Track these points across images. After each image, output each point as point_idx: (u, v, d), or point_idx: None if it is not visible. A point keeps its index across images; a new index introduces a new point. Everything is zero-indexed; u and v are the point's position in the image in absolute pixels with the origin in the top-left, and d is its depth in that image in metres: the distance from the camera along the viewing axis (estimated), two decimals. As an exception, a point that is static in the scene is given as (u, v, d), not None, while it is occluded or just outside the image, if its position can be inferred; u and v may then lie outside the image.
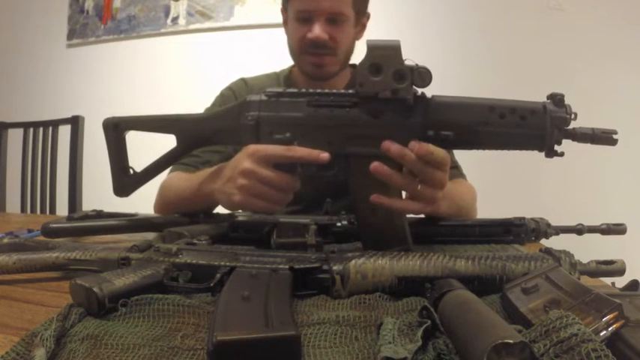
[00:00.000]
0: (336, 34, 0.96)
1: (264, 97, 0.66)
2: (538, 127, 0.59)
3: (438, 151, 0.59)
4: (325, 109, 0.63)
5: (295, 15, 0.98)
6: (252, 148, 0.64)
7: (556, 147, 0.60)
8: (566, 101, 0.60)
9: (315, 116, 0.64)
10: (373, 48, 0.59)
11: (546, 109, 0.59)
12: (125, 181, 0.78)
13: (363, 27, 1.06)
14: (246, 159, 0.64)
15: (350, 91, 0.63)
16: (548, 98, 0.60)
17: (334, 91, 0.65)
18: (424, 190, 0.61)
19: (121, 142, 0.78)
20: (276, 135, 0.65)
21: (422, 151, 0.58)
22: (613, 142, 0.60)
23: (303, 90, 0.65)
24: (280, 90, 0.66)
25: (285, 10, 1.05)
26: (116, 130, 0.77)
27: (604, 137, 0.60)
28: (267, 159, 0.63)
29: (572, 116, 0.59)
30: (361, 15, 1.02)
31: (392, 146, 0.59)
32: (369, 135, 0.62)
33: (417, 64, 0.59)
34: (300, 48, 0.98)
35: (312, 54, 0.96)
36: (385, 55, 0.59)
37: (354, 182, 0.64)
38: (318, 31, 0.93)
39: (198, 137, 0.74)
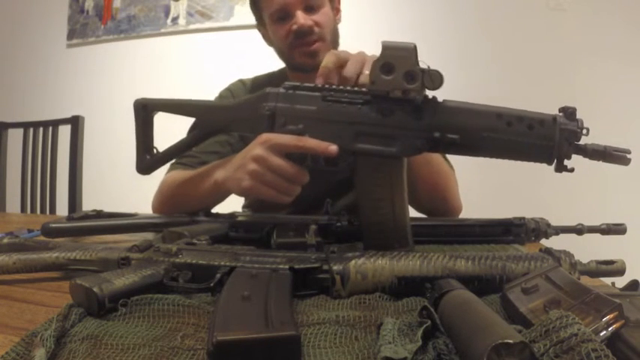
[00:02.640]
0: (318, 18, 0.96)
1: (282, 90, 0.68)
2: (546, 138, 0.58)
3: None
4: (338, 105, 0.64)
5: (272, 18, 0.98)
6: (265, 136, 0.66)
7: (566, 162, 0.59)
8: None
9: (328, 111, 0.65)
10: (387, 48, 0.60)
11: (556, 121, 0.58)
12: (147, 160, 0.82)
13: (338, 10, 1.06)
14: (258, 146, 0.66)
15: (363, 88, 0.64)
16: (560, 111, 0.59)
17: (348, 87, 0.66)
18: None
19: (149, 122, 0.81)
20: (290, 126, 0.66)
21: None
22: (626, 161, 0.58)
23: (320, 85, 0.67)
24: (297, 83, 0.68)
25: (261, 24, 1.06)
26: (145, 110, 0.81)
27: (616, 156, 0.58)
28: (279, 147, 0.65)
29: (584, 131, 0.58)
30: None
31: None
32: (378, 133, 0.62)
33: (429, 67, 0.59)
34: (289, 44, 0.98)
35: (302, 45, 0.97)
36: (398, 55, 0.59)
37: (360, 179, 0.65)
38: (301, 19, 0.94)
39: (217, 124, 0.77)
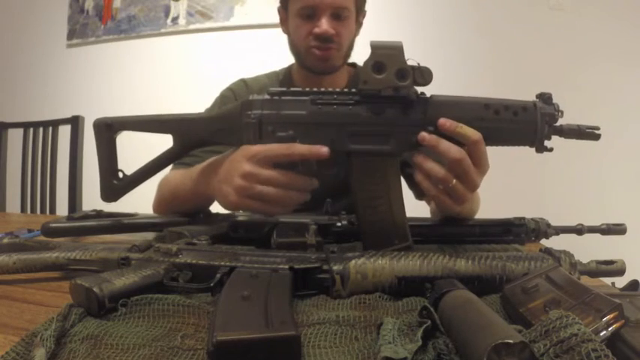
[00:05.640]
0: (340, 29, 0.97)
1: (266, 96, 0.66)
2: (530, 122, 0.62)
3: (468, 129, 0.60)
4: (328, 107, 0.64)
5: (298, 11, 0.98)
6: (253, 150, 0.64)
7: (545, 143, 0.63)
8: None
9: (318, 114, 0.64)
10: (377, 47, 0.60)
11: (536, 106, 0.63)
12: (114, 185, 0.75)
13: (360, 25, 1.07)
14: (245, 162, 0.64)
15: (353, 89, 0.64)
16: (537, 97, 0.64)
17: (337, 89, 0.66)
18: (457, 186, 0.61)
19: (112, 143, 0.75)
20: (279, 133, 0.65)
21: (452, 127, 0.60)
22: (596, 137, 0.64)
23: (307, 89, 0.66)
24: (283, 89, 0.67)
25: (283, 8, 1.05)
26: (109, 130, 0.75)
27: (588, 133, 0.63)
28: (268, 160, 0.63)
29: (560, 113, 0.63)
30: (360, 12, 1.03)
31: (427, 136, 0.60)
32: (371, 132, 0.63)
33: (418, 64, 0.60)
34: (306, 44, 0.98)
35: (319, 48, 0.97)
36: (388, 54, 0.60)
37: (355, 180, 0.65)
38: (325, 25, 0.94)
39: (198, 137, 0.73)
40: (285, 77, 1.11)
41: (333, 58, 0.99)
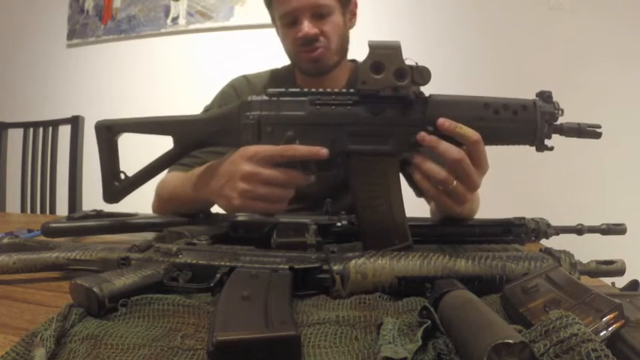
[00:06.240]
0: (324, 27, 0.96)
1: (265, 97, 0.66)
2: (530, 121, 0.62)
3: (467, 130, 0.60)
4: (327, 108, 0.64)
5: (281, 20, 0.98)
6: (252, 150, 0.64)
7: (546, 142, 0.63)
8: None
9: (317, 114, 0.64)
10: (375, 47, 0.60)
11: (536, 104, 0.62)
12: (116, 186, 0.76)
13: (353, 14, 1.06)
14: (245, 162, 0.64)
15: (351, 90, 0.64)
16: (537, 95, 0.63)
17: (336, 90, 0.65)
18: (458, 187, 0.61)
19: (113, 145, 0.76)
20: (278, 134, 0.65)
21: (451, 127, 0.59)
22: (597, 135, 0.63)
23: (306, 89, 0.66)
24: (282, 90, 0.66)
25: (272, 20, 1.06)
26: (109, 132, 0.75)
27: (589, 131, 0.63)
28: (268, 160, 0.63)
29: (560, 112, 0.62)
30: (346, 3, 1.02)
31: (427, 137, 0.60)
32: (370, 132, 0.63)
33: (416, 63, 0.60)
34: (295, 50, 0.99)
35: (306, 51, 0.97)
36: (386, 54, 0.60)
37: (355, 180, 0.65)
38: (306, 28, 0.94)
39: (197, 138, 0.73)
40: (287, 75, 1.11)
41: (323, 58, 0.98)
